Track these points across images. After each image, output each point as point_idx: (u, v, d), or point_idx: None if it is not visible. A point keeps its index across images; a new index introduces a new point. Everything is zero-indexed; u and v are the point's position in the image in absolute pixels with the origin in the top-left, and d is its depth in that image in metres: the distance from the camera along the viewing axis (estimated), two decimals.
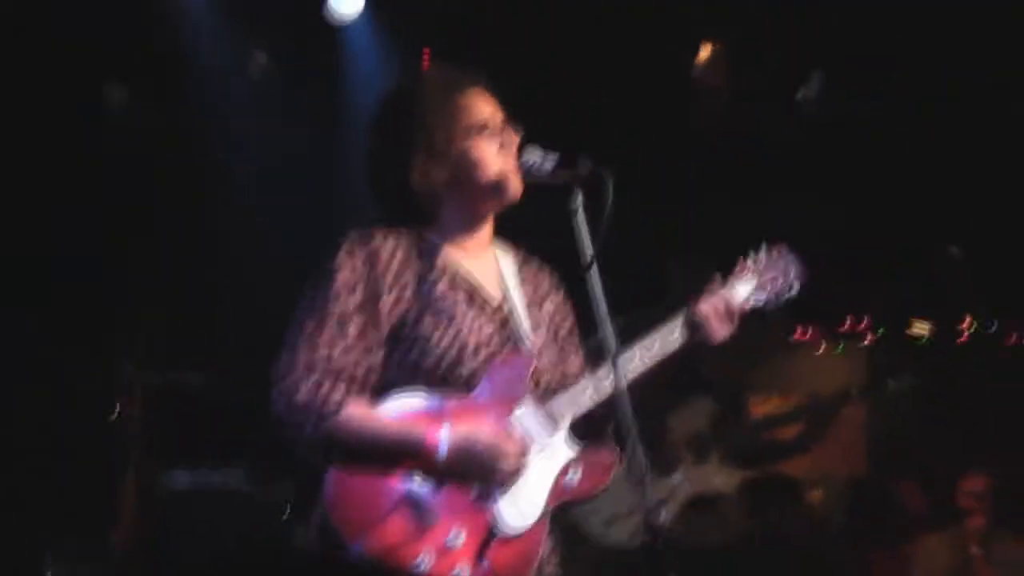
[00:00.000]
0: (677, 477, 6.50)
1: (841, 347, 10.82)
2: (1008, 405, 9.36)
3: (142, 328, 7.13)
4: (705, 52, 8.07)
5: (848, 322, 10.56)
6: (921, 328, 10.32)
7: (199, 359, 7.45)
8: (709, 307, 3.53)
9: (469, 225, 3.53)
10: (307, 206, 7.53)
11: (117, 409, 6.92)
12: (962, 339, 10.23)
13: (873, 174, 8.16)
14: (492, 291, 3.50)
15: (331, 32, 7.67)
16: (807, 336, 10.76)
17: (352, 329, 3.29)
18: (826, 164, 8.13)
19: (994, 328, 10.06)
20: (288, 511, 6.65)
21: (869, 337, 10.64)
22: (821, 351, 10.85)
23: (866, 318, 10.53)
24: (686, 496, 6.50)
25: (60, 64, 7.12)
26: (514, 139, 3.48)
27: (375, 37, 7.72)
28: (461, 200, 3.49)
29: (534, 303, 3.58)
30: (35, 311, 7.32)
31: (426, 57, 7.52)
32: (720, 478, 6.60)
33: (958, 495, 7.20)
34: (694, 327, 3.51)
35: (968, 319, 10.15)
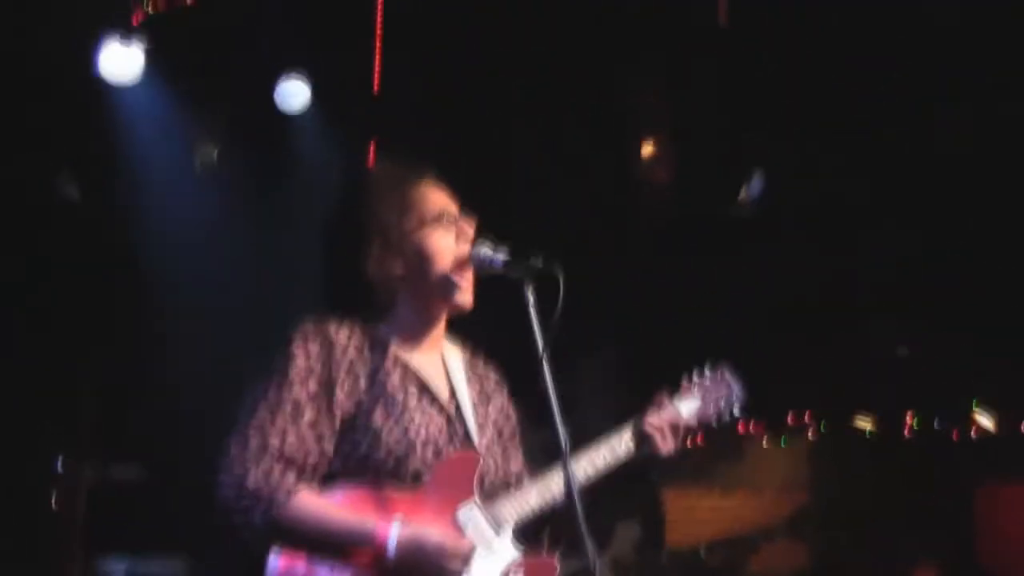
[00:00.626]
0: None
1: (783, 440, 10.85)
2: (955, 498, 9.40)
3: (79, 422, 7.04)
4: (648, 148, 8.14)
5: (791, 416, 10.59)
6: (864, 422, 10.37)
7: (136, 452, 7.36)
8: (656, 421, 3.61)
9: (422, 321, 3.52)
10: (248, 303, 7.49)
11: (54, 500, 6.81)
12: (906, 433, 10.28)
13: (819, 268, 8.23)
14: (440, 387, 3.49)
15: (279, 125, 7.67)
16: (750, 430, 10.78)
17: (305, 417, 3.27)
18: (773, 257, 8.19)
19: (936, 424, 10.12)
20: None
21: (812, 431, 10.67)
22: (764, 445, 10.88)
23: (808, 412, 10.57)
24: None
25: (8, 156, 7.07)
26: (469, 229, 3.49)
27: (322, 130, 7.73)
28: (416, 294, 3.48)
29: (480, 402, 3.58)
30: None
31: (372, 149, 7.53)
32: None
33: None
34: (642, 438, 3.58)
35: (910, 414, 10.21)
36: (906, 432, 10.27)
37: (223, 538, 3.43)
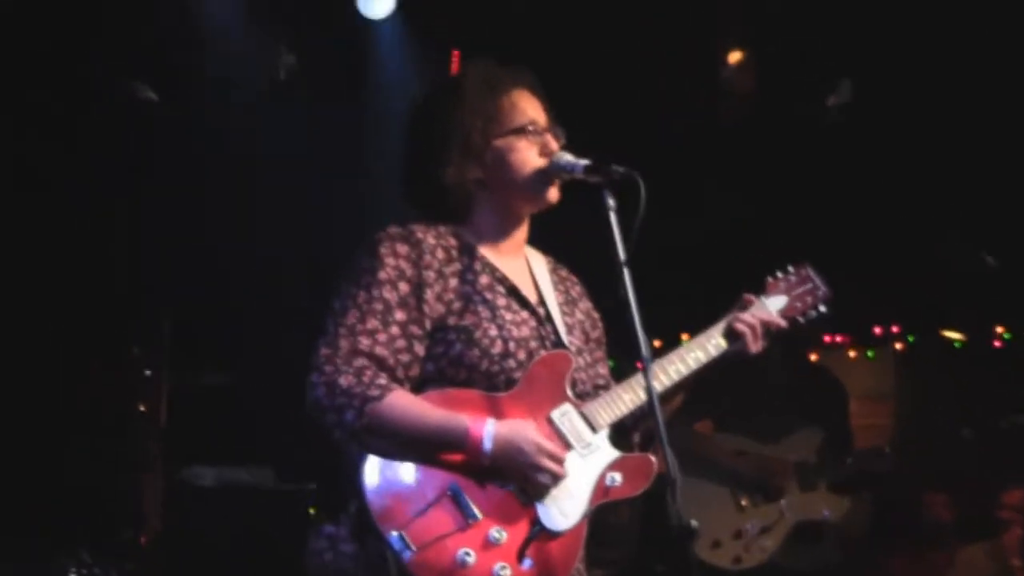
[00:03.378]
0: (783, 504, 6.50)
1: (871, 352, 10.77)
2: None
3: (165, 330, 7.12)
4: (734, 57, 8.04)
5: (878, 329, 10.50)
6: (953, 334, 10.25)
7: (222, 360, 7.44)
8: (747, 319, 3.59)
9: (503, 226, 3.49)
10: (331, 207, 7.51)
11: (140, 409, 6.91)
12: (996, 345, 10.16)
13: (907, 182, 8.11)
14: (529, 290, 3.47)
15: (360, 32, 7.62)
16: (836, 340, 10.71)
17: (396, 320, 3.24)
18: (862, 171, 8.08)
19: None
20: (313, 509, 6.64)
21: (900, 343, 10.58)
22: (852, 356, 10.80)
23: (896, 324, 10.47)
24: (791, 523, 6.49)
25: (85, 62, 7.09)
26: (554, 143, 3.46)
27: (405, 37, 7.68)
28: (496, 201, 3.46)
29: (567, 305, 3.57)
30: (60, 315, 7.30)
31: (455, 60, 7.47)
32: (827, 506, 6.60)
33: (998, 507, 7.13)
34: (732, 337, 3.57)
35: (1001, 327, 10.08)
36: (996, 344, 10.15)
37: (310, 445, 3.46)
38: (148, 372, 6.91)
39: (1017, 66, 7.19)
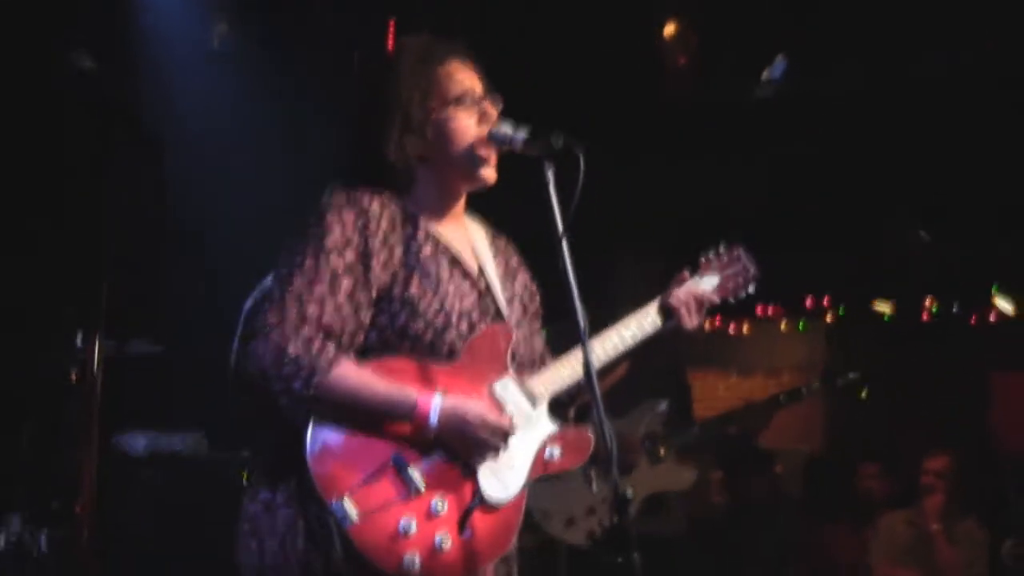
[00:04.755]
0: (633, 478, 6.58)
1: (802, 325, 10.88)
2: (968, 384, 9.43)
3: (99, 297, 7.05)
4: (671, 28, 8.05)
5: (809, 300, 10.61)
6: (883, 307, 10.38)
7: (154, 329, 7.38)
8: (682, 295, 3.67)
9: (444, 199, 3.49)
10: (266, 176, 7.47)
11: (73, 375, 6.85)
12: (924, 318, 10.29)
13: (840, 153, 8.17)
14: (470, 262, 3.47)
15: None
16: (768, 313, 10.81)
17: (343, 288, 3.22)
18: (793, 142, 8.14)
19: (956, 308, 10.12)
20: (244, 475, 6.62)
21: (830, 315, 10.70)
22: (783, 328, 10.91)
23: (827, 296, 10.58)
24: (642, 496, 6.59)
25: (20, 30, 7.02)
26: (493, 110, 3.45)
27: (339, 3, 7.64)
28: (436, 174, 3.44)
29: (507, 277, 3.58)
30: None
31: (391, 27, 7.44)
32: (675, 477, 6.70)
33: (920, 473, 7.24)
34: (668, 313, 3.65)
35: (930, 299, 10.21)
36: (924, 317, 10.29)
37: (240, 412, 3.43)
38: (80, 337, 6.84)
39: (959, 40, 7.25)
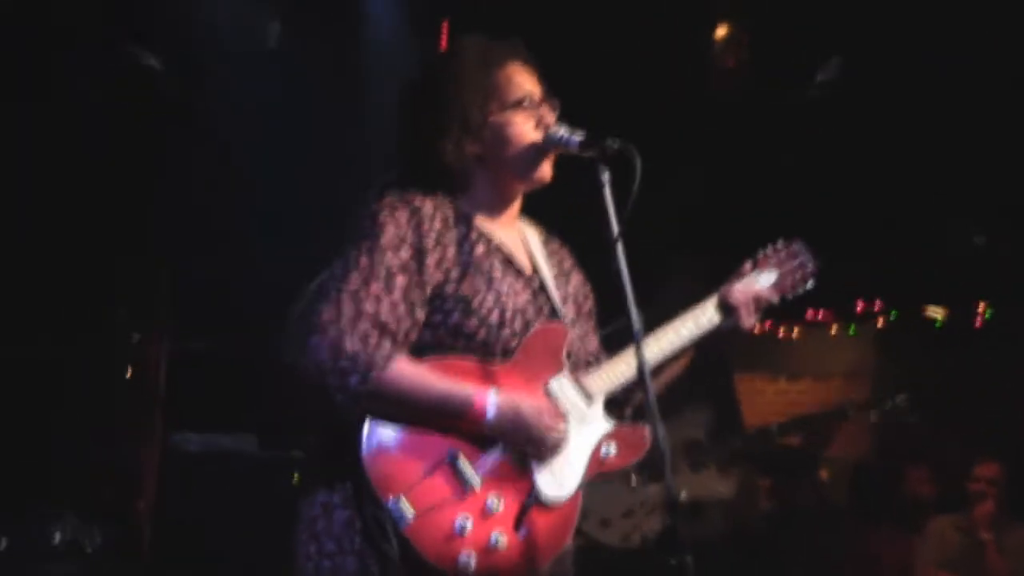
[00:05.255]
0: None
1: (852, 329, 10.82)
2: (1020, 392, 9.33)
3: (157, 295, 7.12)
4: (723, 31, 8.05)
5: (860, 305, 10.55)
6: (935, 312, 10.31)
7: (210, 328, 7.44)
8: (740, 293, 3.65)
9: (499, 200, 3.52)
10: (321, 175, 7.51)
11: (129, 372, 6.91)
12: (977, 324, 10.21)
13: (894, 157, 8.13)
14: (523, 261, 3.50)
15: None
16: (818, 318, 10.76)
17: (398, 286, 3.24)
18: (847, 146, 8.11)
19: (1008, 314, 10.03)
20: (296, 476, 6.66)
21: (881, 320, 10.64)
22: (833, 333, 10.86)
23: (878, 301, 10.52)
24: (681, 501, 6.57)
25: (79, 29, 7.10)
26: (550, 115, 3.48)
27: (393, 7, 7.68)
28: (493, 176, 3.47)
29: (560, 277, 3.60)
30: (49, 284, 7.29)
31: (444, 29, 7.47)
32: (716, 485, 6.69)
33: (970, 481, 7.19)
34: (726, 310, 3.63)
35: (983, 304, 10.13)
36: (977, 323, 10.21)
37: (299, 413, 3.46)
38: (137, 336, 6.91)
39: (1012, 43, 7.20)
